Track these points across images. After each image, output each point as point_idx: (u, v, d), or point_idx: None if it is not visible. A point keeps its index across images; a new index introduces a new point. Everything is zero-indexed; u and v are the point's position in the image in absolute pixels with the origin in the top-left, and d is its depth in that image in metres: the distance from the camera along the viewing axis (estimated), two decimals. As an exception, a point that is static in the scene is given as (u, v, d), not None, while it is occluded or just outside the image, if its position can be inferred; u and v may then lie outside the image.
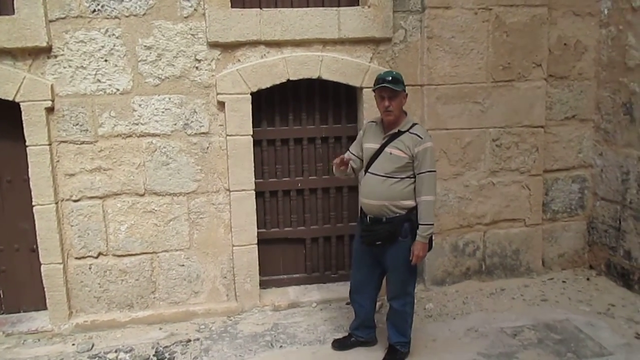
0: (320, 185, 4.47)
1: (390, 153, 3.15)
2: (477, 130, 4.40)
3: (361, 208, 3.38)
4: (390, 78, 3.12)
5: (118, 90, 3.88)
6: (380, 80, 3.14)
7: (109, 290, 4.11)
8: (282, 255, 4.55)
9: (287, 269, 4.58)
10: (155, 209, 4.07)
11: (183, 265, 4.19)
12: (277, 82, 4.06)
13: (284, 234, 4.48)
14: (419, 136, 3.15)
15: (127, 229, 4.05)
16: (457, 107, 4.33)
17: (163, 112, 3.97)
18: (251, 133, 4.08)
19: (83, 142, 3.89)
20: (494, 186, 4.53)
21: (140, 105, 3.93)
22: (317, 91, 4.35)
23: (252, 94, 4.04)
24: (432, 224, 3.16)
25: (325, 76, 4.12)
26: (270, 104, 4.31)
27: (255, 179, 4.18)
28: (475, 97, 4.35)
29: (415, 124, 3.23)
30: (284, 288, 4.52)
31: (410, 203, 3.17)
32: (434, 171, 3.17)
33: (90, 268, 4.05)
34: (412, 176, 3.17)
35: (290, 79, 4.08)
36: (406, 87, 3.92)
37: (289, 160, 4.41)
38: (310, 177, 4.45)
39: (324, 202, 4.51)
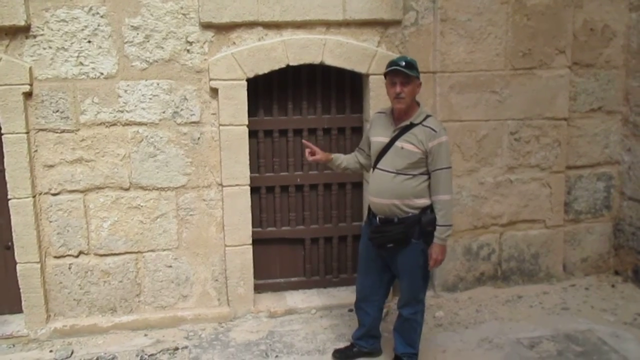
0: (321, 181, 4.48)
1: (402, 148, 3.14)
2: (494, 122, 4.40)
3: (369, 207, 3.37)
4: (404, 63, 3.12)
5: (102, 74, 3.87)
6: (392, 63, 3.15)
7: (90, 292, 4.11)
8: (279, 257, 4.56)
9: (285, 272, 4.59)
10: (141, 204, 4.07)
11: (171, 266, 4.19)
12: (276, 67, 4.06)
13: (281, 234, 4.49)
14: (432, 129, 3.13)
15: (110, 226, 4.05)
16: (473, 96, 4.33)
17: (150, 98, 3.97)
18: (246, 123, 4.07)
19: (63, 131, 3.89)
20: (512, 184, 4.53)
21: (125, 91, 3.93)
22: (319, 78, 4.35)
23: (248, 80, 4.03)
24: (451, 225, 3.17)
25: (329, 61, 4.11)
26: (268, 91, 4.31)
27: (251, 173, 4.17)
28: (493, 86, 4.35)
29: (429, 115, 3.21)
30: (280, 293, 4.52)
31: (424, 202, 3.17)
32: (450, 167, 3.17)
33: (70, 268, 4.05)
34: (425, 172, 3.16)
35: (290, 64, 4.07)
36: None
37: (287, 153, 4.41)
38: (310, 172, 4.46)
39: (325, 199, 4.52)
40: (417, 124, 3.16)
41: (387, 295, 3.57)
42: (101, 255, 4.08)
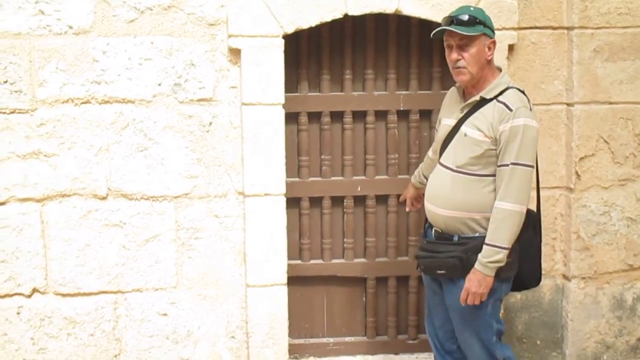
0: (393, 191, 4.04)
1: (465, 134, 2.96)
2: (664, 105, 3.93)
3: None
4: (467, 17, 2.91)
5: (71, 27, 3.58)
6: (445, 20, 2.97)
7: (48, 349, 3.75)
8: (328, 305, 4.19)
9: (335, 328, 4.20)
10: (124, 221, 3.75)
11: (166, 314, 3.82)
12: (328, 18, 3.71)
13: (331, 270, 4.09)
14: (507, 107, 2.88)
15: (79, 252, 3.72)
16: (630, 66, 3.89)
17: (141, 64, 3.65)
18: (282, 101, 3.75)
19: (14, 111, 3.61)
20: (691, 200, 4.01)
21: (104, 52, 3.61)
22: (394, 35, 3.96)
23: (285, 37, 3.71)
24: (505, 248, 2.90)
25: (408, 9, 3.72)
26: (316, 54, 3.96)
27: (287, 177, 3.84)
28: (663, 50, 3.85)
29: (511, 87, 2.99)
30: (329, 359, 4.11)
31: None
32: (527, 166, 2.90)
33: (18, 313, 3.72)
34: None
35: (350, 13, 3.71)
36: (543, 31, 3.88)
37: (343, 148, 4.02)
38: (377, 177, 4.02)
39: (400, 218, 4.08)
40: (490, 100, 2.95)
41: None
42: (65, 296, 3.74)
